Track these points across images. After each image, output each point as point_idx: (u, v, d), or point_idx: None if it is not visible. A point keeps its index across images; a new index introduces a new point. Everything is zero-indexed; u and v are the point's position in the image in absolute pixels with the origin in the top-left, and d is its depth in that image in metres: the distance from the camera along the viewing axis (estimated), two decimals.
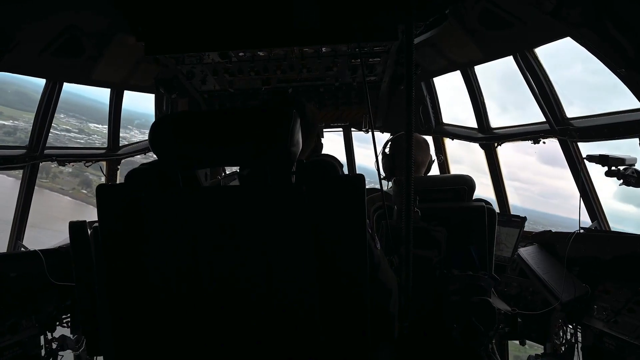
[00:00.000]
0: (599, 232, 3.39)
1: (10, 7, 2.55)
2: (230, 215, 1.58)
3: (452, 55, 3.98)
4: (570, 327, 3.10)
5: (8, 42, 2.76)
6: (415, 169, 3.19)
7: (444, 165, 4.96)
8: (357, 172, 2.44)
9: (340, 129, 5.48)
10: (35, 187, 4.10)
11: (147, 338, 1.64)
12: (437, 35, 3.56)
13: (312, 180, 1.61)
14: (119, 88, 4.47)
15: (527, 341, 3.33)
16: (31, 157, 3.88)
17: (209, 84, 4.24)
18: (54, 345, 3.38)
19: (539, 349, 3.41)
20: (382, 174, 3.32)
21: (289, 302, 1.59)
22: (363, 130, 5.11)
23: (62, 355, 3.46)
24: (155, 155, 1.65)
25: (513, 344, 3.60)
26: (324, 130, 4.97)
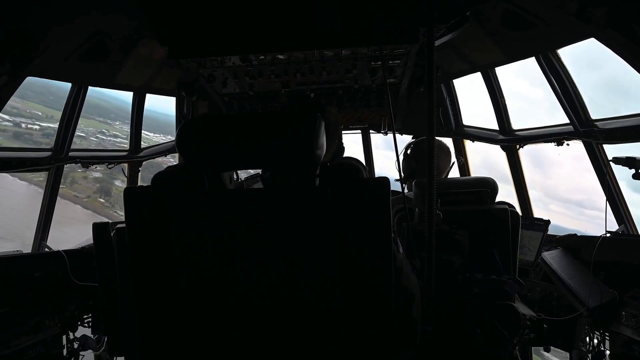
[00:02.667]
0: (627, 236, 3.30)
1: (40, 13, 2.61)
2: (255, 217, 1.59)
3: (472, 57, 3.94)
4: (598, 334, 3.03)
5: (37, 47, 2.83)
6: (437, 174, 3.17)
7: (464, 167, 4.90)
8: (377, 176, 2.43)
9: (359, 132, 5.47)
10: (43, 191, 4.17)
11: (173, 337, 1.65)
12: (458, 37, 3.52)
13: (336, 183, 1.60)
14: (141, 91, 4.54)
15: (550, 349, 3.26)
16: (56, 159, 3.97)
17: (229, 87, 4.29)
18: (76, 345, 3.43)
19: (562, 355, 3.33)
20: (401, 176, 3.29)
21: (313, 304, 1.58)
22: (382, 132, 5.09)
23: (83, 355, 3.50)
24: (177, 158, 1.67)
25: (535, 351, 3.52)
26: (343, 132, 4.97)
